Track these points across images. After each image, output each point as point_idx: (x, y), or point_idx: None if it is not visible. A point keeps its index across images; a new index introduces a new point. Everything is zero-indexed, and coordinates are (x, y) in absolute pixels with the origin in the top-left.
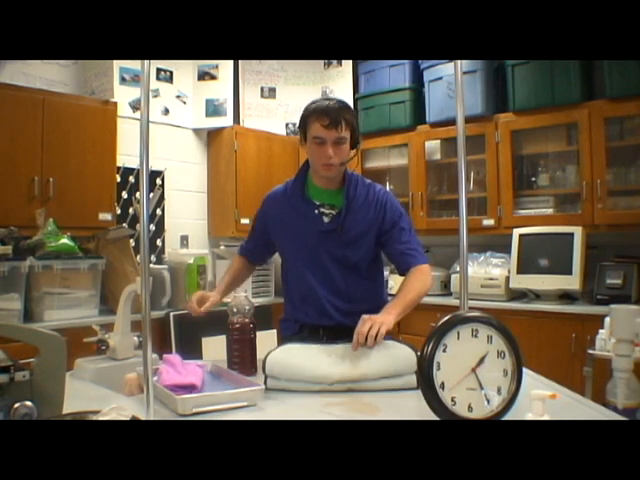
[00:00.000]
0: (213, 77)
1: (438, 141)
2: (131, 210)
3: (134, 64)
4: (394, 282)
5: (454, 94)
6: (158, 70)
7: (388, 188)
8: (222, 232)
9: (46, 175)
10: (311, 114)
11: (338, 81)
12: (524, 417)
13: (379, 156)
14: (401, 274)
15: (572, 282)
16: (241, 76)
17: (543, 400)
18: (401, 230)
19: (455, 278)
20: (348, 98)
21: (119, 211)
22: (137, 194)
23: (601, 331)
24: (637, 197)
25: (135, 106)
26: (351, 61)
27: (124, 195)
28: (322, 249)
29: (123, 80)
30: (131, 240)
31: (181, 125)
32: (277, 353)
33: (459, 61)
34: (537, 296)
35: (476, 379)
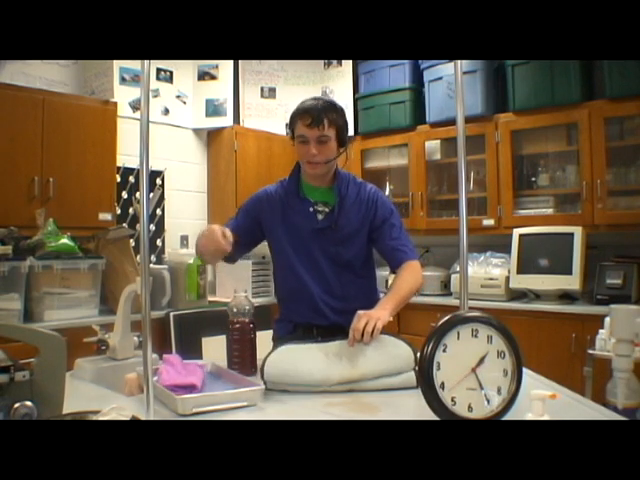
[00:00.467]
0: (213, 77)
1: (438, 141)
2: (131, 210)
3: (134, 64)
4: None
5: (454, 94)
6: (158, 70)
7: (388, 188)
8: None
9: (46, 175)
10: (296, 114)
11: (338, 81)
12: (524, 417)
13: (379, 156)
14: (392, 270)
15: (572, 282)
16: (241, 76)
17: (543, 400)
18: (392, 226)
19: (455, 278)
20: (348, 98)
21: (119, 211)
22: (137, 194)
23: (601, 331)
24: (637, 197)
25: (135, 106)
26: (351, 61)
27: (124, 195)
28: (316, 246)
29: (123, 80)
30: (131, 240)
31: (181, 125)
32: (273, 359)
33: (459, 61)
34: (537, 296)
35: (476, 379)
